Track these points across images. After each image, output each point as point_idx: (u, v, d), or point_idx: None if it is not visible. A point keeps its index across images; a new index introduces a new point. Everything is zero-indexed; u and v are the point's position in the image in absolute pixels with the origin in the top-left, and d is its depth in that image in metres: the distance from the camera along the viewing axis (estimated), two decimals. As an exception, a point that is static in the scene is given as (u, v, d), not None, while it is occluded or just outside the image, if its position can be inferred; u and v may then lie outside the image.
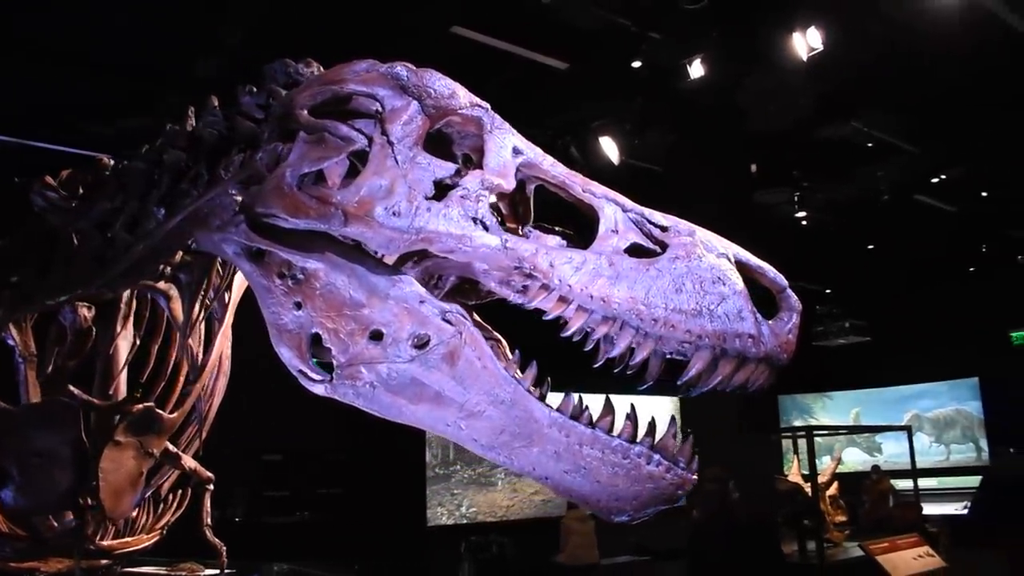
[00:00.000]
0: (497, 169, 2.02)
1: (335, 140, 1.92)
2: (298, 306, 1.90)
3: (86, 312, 3.81)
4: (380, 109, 1.99)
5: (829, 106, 7.42)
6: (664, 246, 2.01)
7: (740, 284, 1.95)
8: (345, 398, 1.91)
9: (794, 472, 9.53)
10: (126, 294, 3.38)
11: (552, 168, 2.13)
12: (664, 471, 1.88)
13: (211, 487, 3.31)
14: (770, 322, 1.95)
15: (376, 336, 1.88)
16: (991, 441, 16.45)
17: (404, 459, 13.79)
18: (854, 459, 17.41)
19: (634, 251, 2.01)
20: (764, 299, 2.00)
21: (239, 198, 2.03)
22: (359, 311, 1.88)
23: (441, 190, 1.96)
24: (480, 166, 2.05)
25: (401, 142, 1.97)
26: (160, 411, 2.92)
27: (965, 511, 12.89)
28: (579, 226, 2.15)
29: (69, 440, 2.70)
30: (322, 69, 2.44)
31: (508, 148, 2.07)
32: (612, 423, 1.93)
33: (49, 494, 2.70)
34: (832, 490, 9.57)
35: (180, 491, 3.42)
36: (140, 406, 2.93)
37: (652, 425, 1.93)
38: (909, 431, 9.83)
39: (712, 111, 7.75)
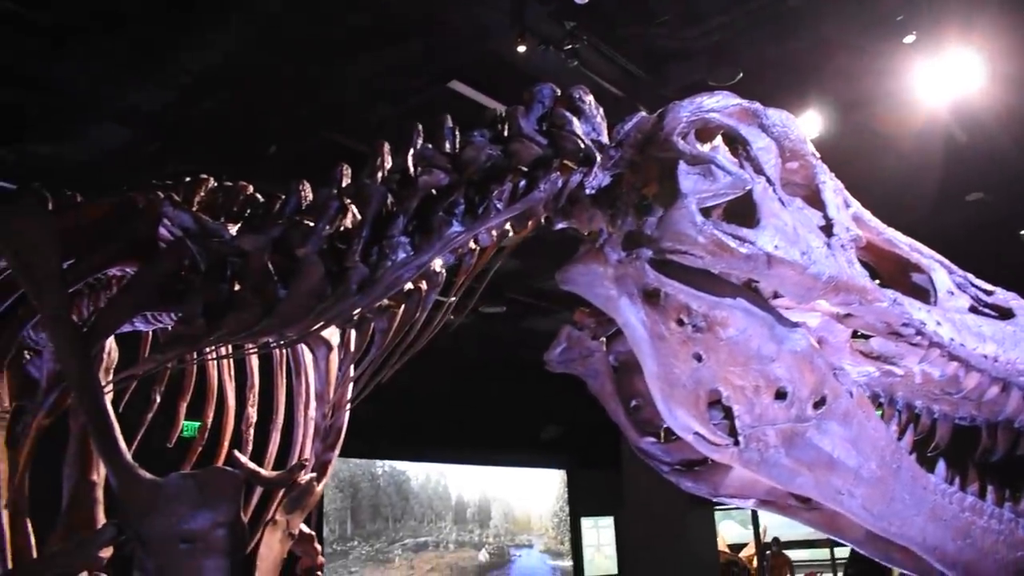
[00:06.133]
0: (847, 220, 1.94)
1: (724, 175, 1.75)
2: (698, 358, 1.68)
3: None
4: (746, 147, 1.86)
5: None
6: (1001, 310, 1.99)
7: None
8: (749, 465, 1.70)
9: (722, 545, 9.74)
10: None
11: (879, 224, 2.07)
12: (1033, 537, 1.84)
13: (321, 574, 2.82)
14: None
15: (781, 395, 1.71)
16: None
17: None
18: (730, 532, 18.03)
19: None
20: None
21: (620, 230, 1.78)
22: (767, 366, 1.69)
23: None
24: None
25: (777, 184, 1.84)
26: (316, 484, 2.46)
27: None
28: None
29: (226, 521, 2.16)
30: (592, 98, 2.24)
31: (842, 200, 1.99)
32: (981, 488, 1.86)
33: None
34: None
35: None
36: (307, 477, 2.44)
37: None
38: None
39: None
